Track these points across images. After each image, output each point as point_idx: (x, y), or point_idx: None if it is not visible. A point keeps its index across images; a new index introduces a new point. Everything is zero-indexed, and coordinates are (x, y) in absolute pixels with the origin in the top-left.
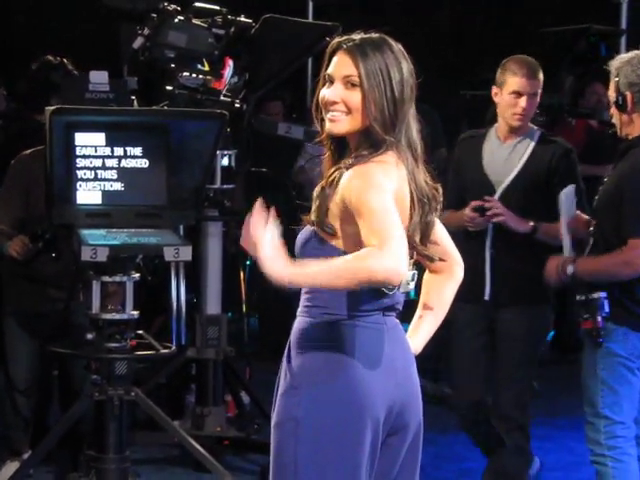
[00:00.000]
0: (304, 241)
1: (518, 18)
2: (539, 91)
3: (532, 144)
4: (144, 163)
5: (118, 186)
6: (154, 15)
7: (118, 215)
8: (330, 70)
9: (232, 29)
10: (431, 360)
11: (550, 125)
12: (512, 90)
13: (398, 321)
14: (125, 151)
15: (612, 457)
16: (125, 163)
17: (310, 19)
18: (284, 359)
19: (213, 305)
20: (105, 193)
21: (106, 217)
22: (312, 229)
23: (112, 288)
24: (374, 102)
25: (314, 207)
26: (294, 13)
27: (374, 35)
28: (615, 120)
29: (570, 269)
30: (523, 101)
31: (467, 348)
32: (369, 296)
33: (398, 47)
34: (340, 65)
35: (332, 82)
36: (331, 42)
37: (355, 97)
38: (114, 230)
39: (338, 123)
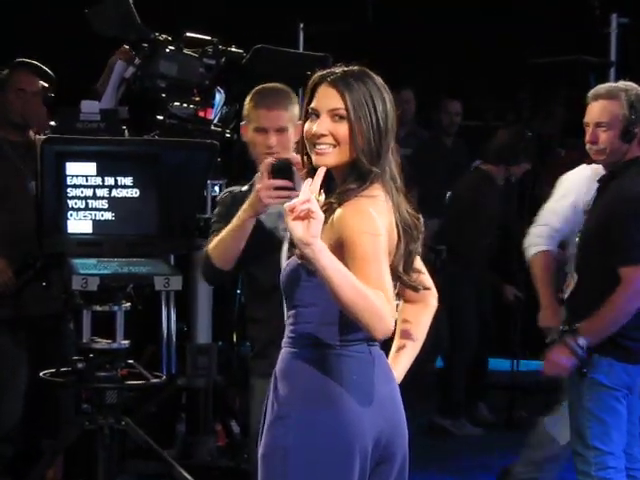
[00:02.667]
0: (290, 273)
1: (506, 48)
2: (289, 125)
3: None
4: (135, 193)
5: (109, 215)
6: (145, 45)
7: (109, 244)
8: (315, 104)
9: (223, 59)
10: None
11: (540, 157)
12: (255, 126)
13: (382, 352)
14: (116, 181)
15: None
16: (116, 193)
17: (301, 49)
18: (270, 390)
19: (203, 334)
20: (96, 222)
21: (97, 246)
22: (299, 262)
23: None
24: (361, 134)
25: None
26: (285, 42)
27: (355, 67)
28: (607, 147)
29: (582, 342)
30: (269, 139)
31: None
32: (353, 326)
33: (379, 79)
34: (325, 98)
35: (318, 115)
36: (312, 76)
37: (342, 129)
38: (105, 259)
39: (326, 156)
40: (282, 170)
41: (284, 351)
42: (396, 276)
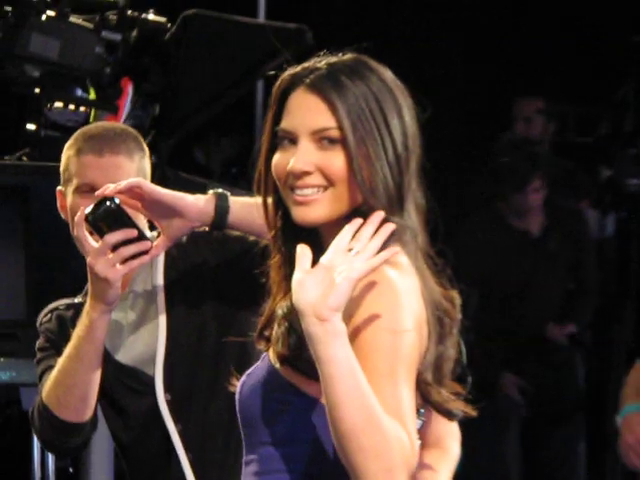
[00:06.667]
0: (257, 387)
1: (599, 20)
2: None
3: None
4: None
5: None
6: (9, 9)
7: None
8: (287, 123)
9: (134, 33)
10: None
11: None
12: (78, 185)
13: None
14: None
15: None
16: None
17: (262, 17)
18: None
19: (101, 477)
20: None
21: None
22: (272, 368)
23: None
24: (369, 165)
25: (279, 332)
26: (238, 9)
27: (348, 57)
28: None
29: None
30: None
31: None
32: None
33: (387, 73)
34: (305, 112)
35: (294, 141)
36: (281, 76)
37: (338, 161)
38: None
39: (313, 205)
40: (109, 216)
41: None
42: (425, 388)
